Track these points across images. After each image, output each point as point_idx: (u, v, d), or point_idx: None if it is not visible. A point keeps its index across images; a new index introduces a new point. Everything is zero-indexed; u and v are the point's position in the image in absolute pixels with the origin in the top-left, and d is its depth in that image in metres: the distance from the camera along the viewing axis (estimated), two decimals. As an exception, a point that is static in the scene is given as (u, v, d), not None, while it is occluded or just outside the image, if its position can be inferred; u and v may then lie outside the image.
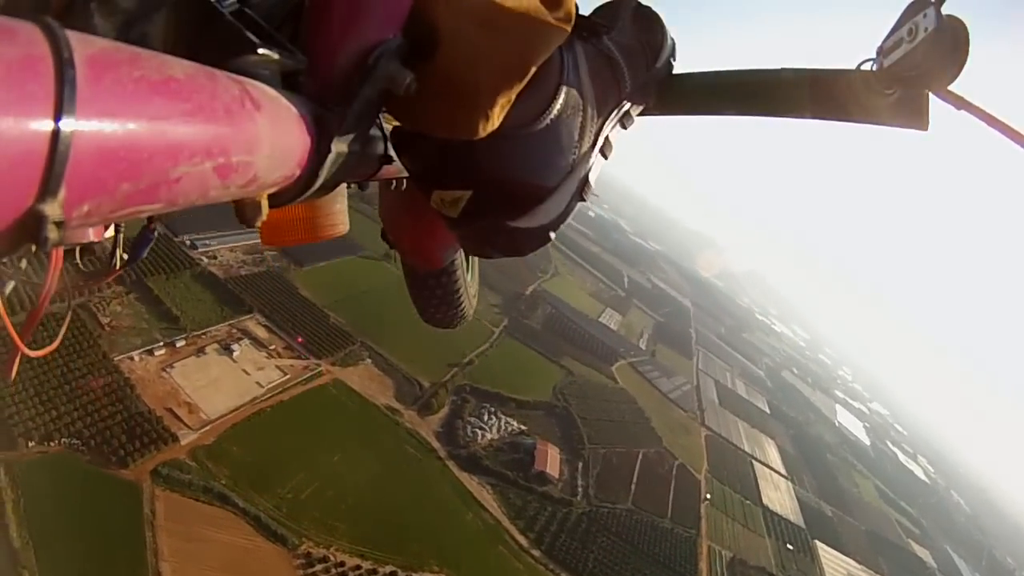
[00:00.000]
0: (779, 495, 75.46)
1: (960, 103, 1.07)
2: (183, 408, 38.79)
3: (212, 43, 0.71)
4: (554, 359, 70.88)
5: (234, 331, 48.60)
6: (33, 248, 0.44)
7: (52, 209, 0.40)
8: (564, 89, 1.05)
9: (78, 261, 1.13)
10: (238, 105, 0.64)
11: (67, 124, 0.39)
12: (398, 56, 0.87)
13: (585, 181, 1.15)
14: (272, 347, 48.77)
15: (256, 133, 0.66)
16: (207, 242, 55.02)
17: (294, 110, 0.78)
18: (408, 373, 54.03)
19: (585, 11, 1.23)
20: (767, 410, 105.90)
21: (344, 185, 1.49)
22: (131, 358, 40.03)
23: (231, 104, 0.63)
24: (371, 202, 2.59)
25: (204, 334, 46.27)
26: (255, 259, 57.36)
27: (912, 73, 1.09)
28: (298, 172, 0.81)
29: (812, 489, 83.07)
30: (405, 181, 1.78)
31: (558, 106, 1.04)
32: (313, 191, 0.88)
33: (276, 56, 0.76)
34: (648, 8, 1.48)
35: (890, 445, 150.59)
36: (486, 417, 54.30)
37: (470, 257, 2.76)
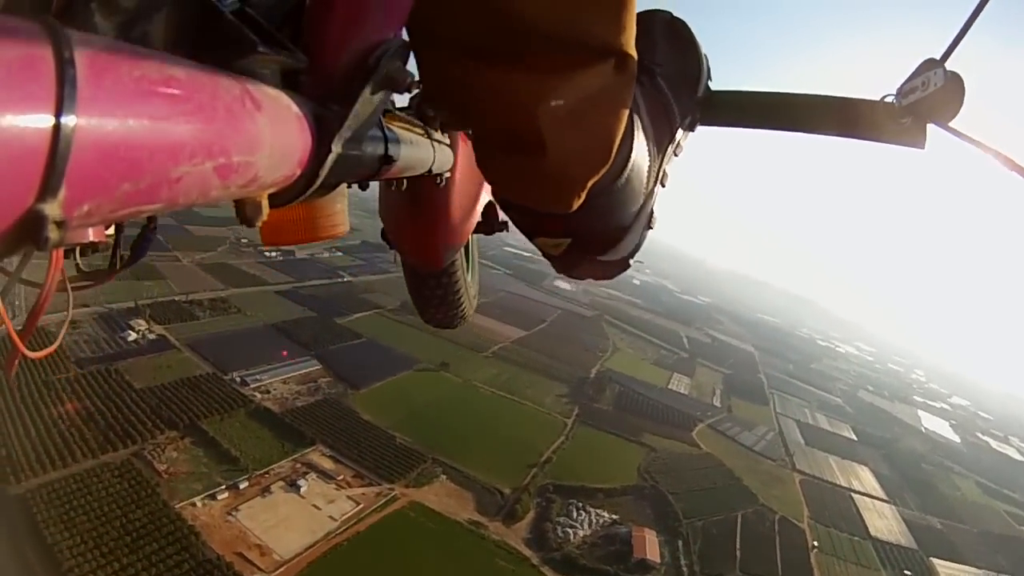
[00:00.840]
0: (885, 522, 71.37)
1: (952, 131, 1.41)
2: (254, 551, 37.17)
3: (213, 43, 0.71)
4: (632, 438, 67.67)
5: (298, 466, 47.02)
6: (34, 248, 0.45)
7: (52, 209, 0.40)
8: (635, 147, 1.15)
9: (78, 261, 1.16)
10: (239, 105, 0.65)
11: (67, 123, 0.39)
12: (399, 56, 0.90)
13: (651, 214, 1.34)
14: (340, 477, 46.90)
15: (257, 133, 0.67)
16: (258, 377, 54.95)
17: (295, 110, 0.79)
18: (486, 483, 51.55)
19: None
20: (854, 437, 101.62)
21: (344, 185, 1.49)
22: (193, 504, 38.89)
23: (232, 104, 0.64)
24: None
25: (267, 472, 44.95)
26: (309, 388, 57.00)
27: (924, 111, 1.44)
28: (299, 172, 0.82)
29: (915, 506, 78.92)
30: (405, 182, 1.90)
31: (632, 164, 1.15)
32: (314, 191, 0.90)
33: (277, 56, 0.77)
34: (680, 24, 1.59)
35: (980, 435, 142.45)
36: (575, 513, 51.09)
37: (470, 258, 3.03)
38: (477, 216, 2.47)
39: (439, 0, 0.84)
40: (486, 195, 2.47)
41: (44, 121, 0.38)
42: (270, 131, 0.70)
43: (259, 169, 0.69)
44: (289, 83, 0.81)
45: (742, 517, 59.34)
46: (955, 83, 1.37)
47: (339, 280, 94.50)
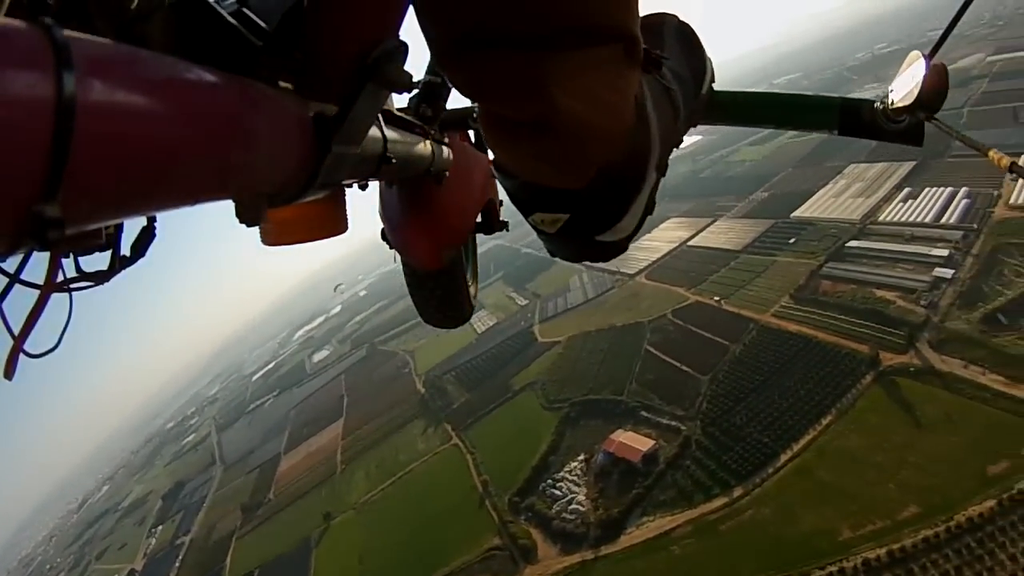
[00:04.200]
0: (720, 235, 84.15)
1: (982, 150, 1.59)
2: None
3: (211, 43, 0.73)
4: (508, 397, 68.65)
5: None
6: (33, 248, 0.45)
7: (52, 209, 0.40)
8: (639, 128, 1.19)
9: (78, 261, 1.16)
10: (237, 105, 0.67)
11: (66, 124, 0.39)
12: (397, 57, 0.92)
13: (652, 199, 1.38)
14: None
15: (255, 133, 0.69)
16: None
17: (293, 110, 0.82)
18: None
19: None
20: None
21: (344, 185, 1.58)
22: None
23: (230, 104, 0.65)
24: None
25: None
26: None
27: (913, 104, 1.60)
28: (297, 172, 0.85)
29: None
30: (405, 181, 2.05)
31: (636, 146, 1.20)
32: (313, 191, 0.92)
33: (275, 56, 0.79)
34: (689, 28, 1.72)
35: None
36: (559, 489, 50.18)
37: (471, 258, 3.14)
38: (476, 215, 2.51)
39: None
40: (485, 194, 2.52)
41: (43, 122, 0.38)
42: (269, 131, 0.72)
43: (258, 169, 0.71)
44: (288, 83, 0.83)
45: (651, 346, 62.26)
46: (938, 74, 1.58)
47: None
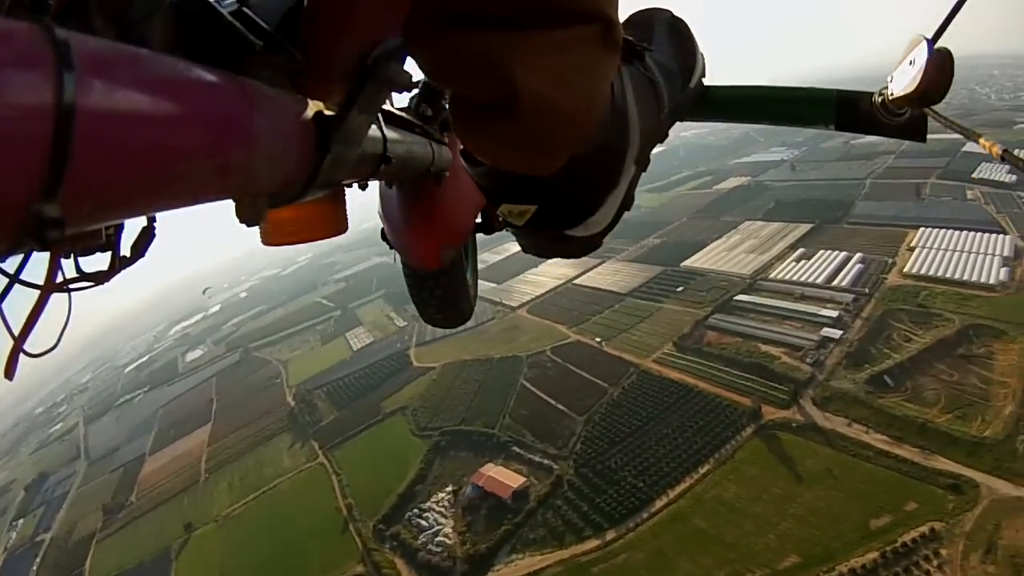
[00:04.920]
0: (607, 276, 73.71)
1: (973, 135, 1.49)
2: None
3: (211, 43, 0.73)
4: (378, 418, 65.60)
5: None
6: (33, 248, 0.45)
7: (52, 209, 0.40)
8: (614, 115, 1.17)
9: (78, 261, 1.18)
10: (237, 105, 0.67)
11: (66, 124, 0.39)
12: (397, 56, 0.93)
13: (630, 194, 1.36)
14: None
15: (256, 133, 0.69)
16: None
17: (294, 110, 0.82)
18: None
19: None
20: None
21: (344, 185, 1.61)
22: None
23: (230, 104, 0.66)
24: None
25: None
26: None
27: (914, 93, 1.45)
28: (298, 172, 0.85)
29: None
30: (405, 181, 2.11)
31: (609, 131, 1.17)
32: (313, 191, 0.92)
33: (275, 56, 0.80)
34: (681, 22, 1.69)
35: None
36: (422, 522, 47.43)
37: (471, 258, 3.11)
38: (476, 215, 2.50)
39: None
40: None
41: (43, 121, 0.38)
42: (269, 131, 0.72)
43: (258, 169, 0.71)
44: (288, 83, 0.83)
45: (527, 381, 60.58)
46: (939, 58, 1.41)
47: None
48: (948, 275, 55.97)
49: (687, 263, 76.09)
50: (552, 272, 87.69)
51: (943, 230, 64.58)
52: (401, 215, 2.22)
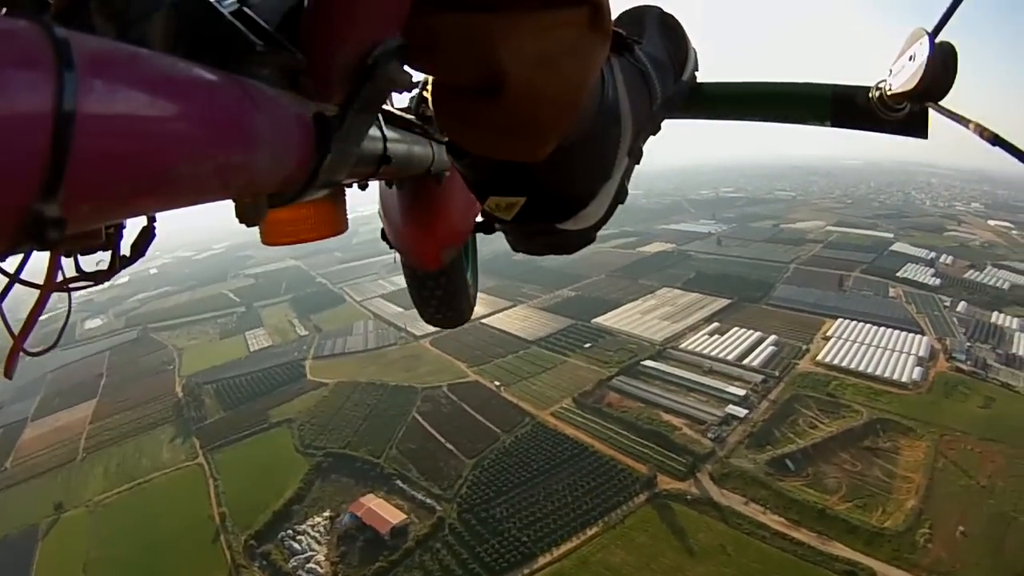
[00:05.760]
0: (530, 322, 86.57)
1: (964, 121, 1.35)
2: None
3: (211, 43, 0.73)
4: (266, 425, 63.15)
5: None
6: (33, 248, 0.45)
7: (52, 209, 0.40)
8: (604, 105, 1.17)
9: (78, 260, 1.20)
10: (238, 105, 0.67)
11: (67, 124, 0.39)
12: (397, 56, 0.92)
13: (623, 186, 1.35)
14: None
15: (256, 133, 0.69)
16: None
17: (294, 110, 0.83)
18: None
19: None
20: None
21: (344, 185, 1.61)
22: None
23: (231, 104, 0.66)
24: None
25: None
26: None
27: (914, 89, 1.39)
28: (298, 172, 0.85)
29: (542, 291, 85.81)
30: (405, 181, 2.15)
31: (599, 121, 1.16)
32: (313, 191, 0.93)
33: (276, 56, 0.80)
34: (672, 17, 1.68)
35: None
36: (295, 544, 45.26)
37: (471, 259, 3.11)
38: (477, 215, 2.45)
39: None
40: None
41: (43, 121, 0.38)
42: (269, 131, 0.72)
43: (258, 169, 0.72)
44: (288, 83, 0.83)
45: (420, 414, 58.79)
46: (942, 53, 1.35)
47: None
48: (861, 368, 56.71)
49: (599, 320, 75.70)
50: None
51: (861, 323, 65.98)
52: (401, 215, 2.23)
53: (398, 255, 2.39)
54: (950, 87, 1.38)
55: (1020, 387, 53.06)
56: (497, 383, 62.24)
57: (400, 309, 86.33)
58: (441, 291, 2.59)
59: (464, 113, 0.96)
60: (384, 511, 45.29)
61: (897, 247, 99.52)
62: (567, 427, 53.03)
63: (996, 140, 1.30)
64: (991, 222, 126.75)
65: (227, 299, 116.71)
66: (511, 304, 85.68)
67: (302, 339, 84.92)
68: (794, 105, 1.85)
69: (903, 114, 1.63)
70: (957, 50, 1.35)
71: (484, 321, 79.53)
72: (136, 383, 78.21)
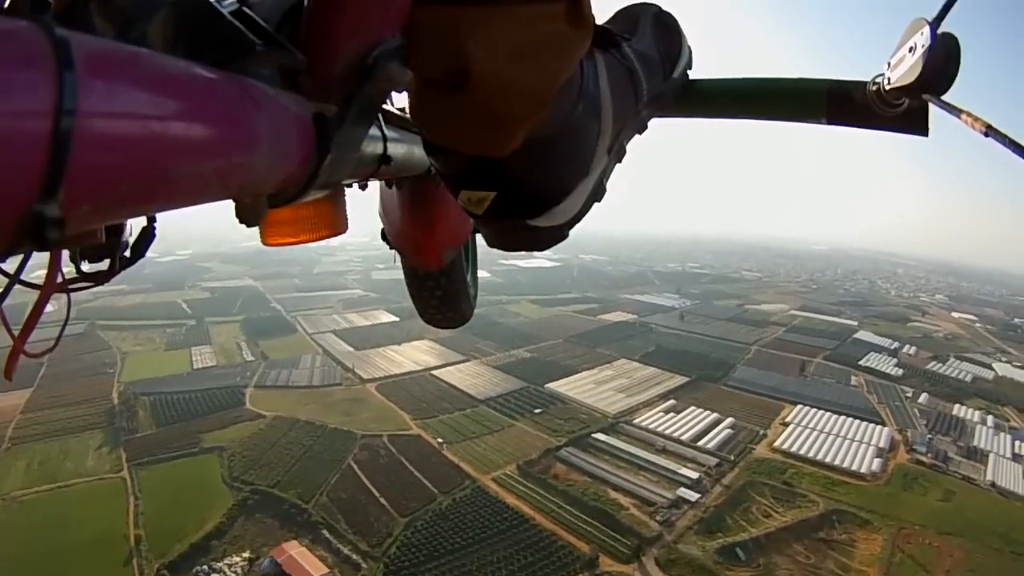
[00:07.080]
0: (480, 379, 78.38)
1: (955, 111, 1.32)
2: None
3: (212, 43, 0.74)
4: (196, 450, 59.43)
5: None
6: (33, 249, 0.45)
7: (52, 209, 0.40)
8: (583, 100, 1.16)
9: (78, 261, 1.21)
10: (238, 105, 0.68)
11: (67, 124, 0.39)
12: (397, 56, 0.93)
13: (601, 185, 1.33)
14: None
15: (256, 133, 0.70)
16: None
17: (294, 110, 0.83)
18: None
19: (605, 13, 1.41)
20: (395, 318, 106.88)
21: (344, 184, 1.62)
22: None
23: (231, 104, 0.67)
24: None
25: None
26: None
27: (914, 83, 1.36)
28: (298, 172, 0.86)
29: (496, 349, 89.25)
30: (405, 181, 2.12)
31: (577, 116, 1.16)
32: (313, 191, 0.94)
33: (275, 56, 0.80)
34: (668, 15, 1.66)
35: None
36: None
37: (471, 260, 3.07)
38: None
39: None
40: None
41: (43, 121, 0.38)
42: (269, 131, 0.73)
43: (258, 169, 0.72)
44: (288, 83, 0.84)
45: (356, 463, 56.33)
46: (943, 44, 1.31)
47: None
48: (819, 457, 55.42)
49: (552, 385, 73.58)
50: (414, 355, 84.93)
51: (821, 411, 65.13)
52: (401, 215, 2.23)
53: (398, 255, 2.38)
54: (952, 80, 1.34)
55: (981, 480, 52.73)
56: (440, 440, 59.97)
57: (351, 348, 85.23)
58: (441, 291, 2.58)
59: (432, 105, 0.97)
60: (306, 561, 43.03)
61: (861, 335, 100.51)
62: (508, 495, 51.10)
63: (988, 130, 1.24)
64: (955, 314, 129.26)
65: (180, 309, 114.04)
66: (464, 359, 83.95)
67: (247, 364, 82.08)
68: (788, 102, 1.80)
69: (902, 109, 1.58)
70: (960, 41, 1.30)
71: (435, 372, 78.17)
72: (74, 380, 74.13)
